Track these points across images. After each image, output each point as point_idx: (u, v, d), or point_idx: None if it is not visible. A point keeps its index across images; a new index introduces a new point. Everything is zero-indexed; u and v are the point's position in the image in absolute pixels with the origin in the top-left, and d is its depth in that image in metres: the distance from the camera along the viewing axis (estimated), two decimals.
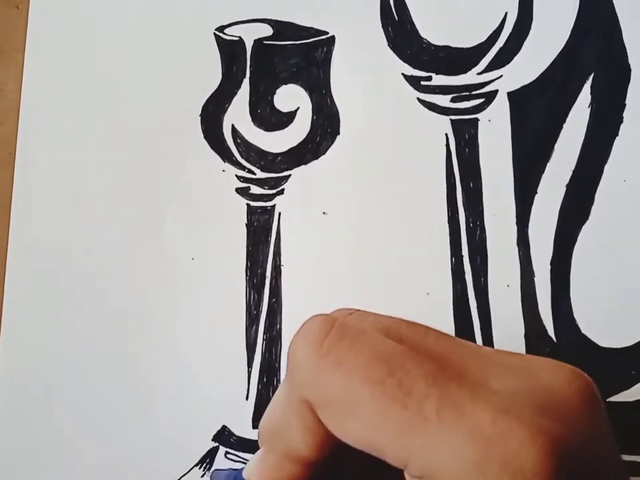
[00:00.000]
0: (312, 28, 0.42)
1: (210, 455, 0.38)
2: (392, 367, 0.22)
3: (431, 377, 0.22)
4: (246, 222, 0.40)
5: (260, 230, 0.40)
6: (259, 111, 0.41)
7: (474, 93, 0.40)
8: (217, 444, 0.38)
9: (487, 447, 0.20)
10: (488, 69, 0.40)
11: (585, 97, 0.40)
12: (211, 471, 0.37)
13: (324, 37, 0.41)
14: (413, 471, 0.21)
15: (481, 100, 0.40)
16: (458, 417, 0.21)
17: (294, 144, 0.41)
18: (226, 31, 0.42)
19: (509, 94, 0.40)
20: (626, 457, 0.35)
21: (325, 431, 0.23)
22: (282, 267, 0.39)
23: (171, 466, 0.38)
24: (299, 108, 0.41)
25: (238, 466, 0.38)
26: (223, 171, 0.41)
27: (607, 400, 0.37)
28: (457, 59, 0.41)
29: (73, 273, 0.40)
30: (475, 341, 0.38)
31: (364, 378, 0.22)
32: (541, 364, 0.24)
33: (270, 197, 0.40)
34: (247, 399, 0.38)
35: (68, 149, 0.42)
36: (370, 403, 0.22)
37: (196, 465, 0.38)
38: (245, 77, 0.41)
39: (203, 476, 0.38)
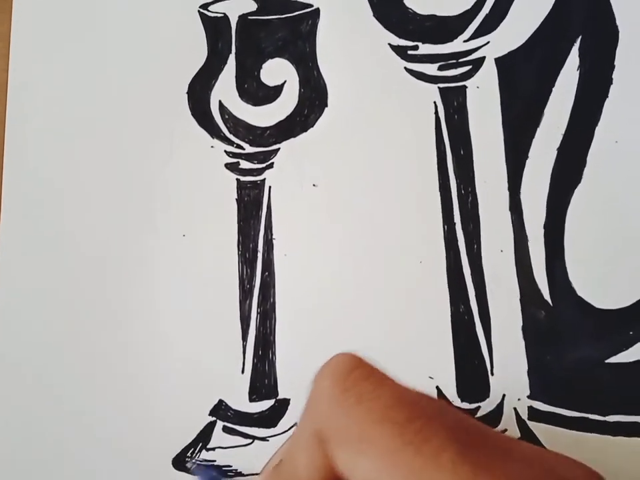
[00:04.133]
0: (296, 1, 0.42)
1: (208, 430, 0.38)
2: (414, 413, 0.22)
3: (452, 431, 0.21)
4: (236, 197, 0.40)
5: (250, 204, 0.40)
6: (245, 85, 0.41)
7: (461, 60, 0.40)
8: (214, 418, 0.38)
9: None
10: (474, 35, 0.40)
11: (573, 60, 0.40)
12: (193, 463, 0.37)
13: (309, 9, 0.41)
14: None
15: (469, 67, 0.40)
16: (474, 476, 0.20)
17: (282, 117, 0.40)
18: (210, 7, 0.42)
19: (497, 60, 0.40)
20: (626, 418, 0.35)
21: (329, 471, 0.23)
22: (274, 241, 0.39)
23: (169, 442, 0.37)
24: (285, 81, 0.41)
25: (236, 440, 0.38)
26: (212, 147, 0.41)
27: (606, 362, 0.36)
28: (443, 27, 0.41)
29: (63, 251, 0.40)
30: (470, 310, 0.38)
31: (383, 417, 0.22)
32: (560, 459, 0.24)
33: (260, 171, 0.40)
34: (242, 372, 0.38)
35: (56, 130, 0.42)
36: (384, 442, 0.21)
37: (194, 440, 0.37)
38: (230, 52, 0.41)
39: (200, 451, 0.37)
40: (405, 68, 0.40)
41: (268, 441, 0.37)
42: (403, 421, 0.22)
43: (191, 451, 0.37)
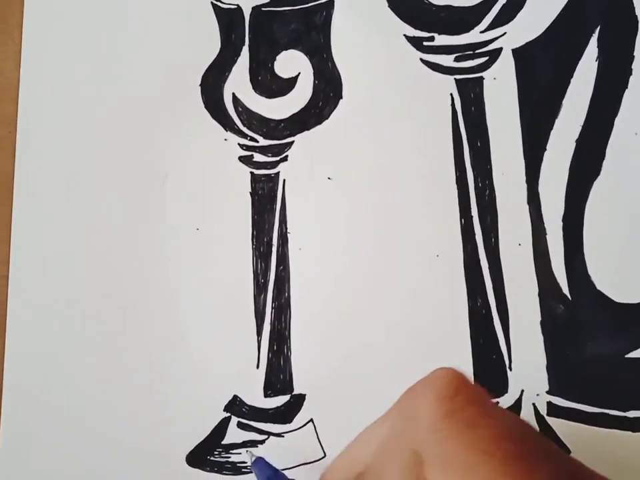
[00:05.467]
0: None
1: (222, 426, 0.37)
2: (522, 451, 0.21)
3: (556, 475, 0.21)
4: (250, 190, 0.40)
5: (265, 198, 0.39)
6: (259, 78, 0.40)
7: (478, 51, 0.40)
8: (228, 414, 0.37)
9: None
10: (491, 26, 0.40)
11: (591, 51, 0.39)
12: (252, 457, 0.36)
13: (323, 0, 0.41)
14: None
15: (485, 58, 0.39)
16: None
17: (296, 110, 0.40)
18: None
19: (514, 51, 0.40)
20: None
21: None
22: (288, 235, 0.39)
23: (184, 437, 0.37)
24: (300, 73, 0.40)
25: (251, 436, 0.37)
26: (225, 139, 0.40)
27: (626, 356, 0.36)
28: (459, 18, 0.40)
29: (77, 248, 0.40)
30: (488, 304, 0.37)
31: (492, 449, 0.21)
32: None
33: (274, 164, 0.40)
34: (257, 367, 0.38)
35: (69, 125, 0.41)
36: (490, 476, 0.20)
37: (208, 436, 0.37)
38: (244, 44, 0.41)
39: (215, 447, 0.37)
40: (421, 59, 0.40)
41: (283, 437, 0.37)
42: (511, 457, 0.21)
43: (205, 447, 0.37)
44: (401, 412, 0.23)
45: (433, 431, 0.22)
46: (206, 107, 0.41)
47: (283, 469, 0.36)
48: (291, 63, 0.40)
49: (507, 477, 0.20)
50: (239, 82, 0.41)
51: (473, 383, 0.23)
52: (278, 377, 0.38)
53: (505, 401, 0.36)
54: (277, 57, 0.41)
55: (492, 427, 0.21)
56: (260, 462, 0.35)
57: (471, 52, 0.40)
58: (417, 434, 0.22)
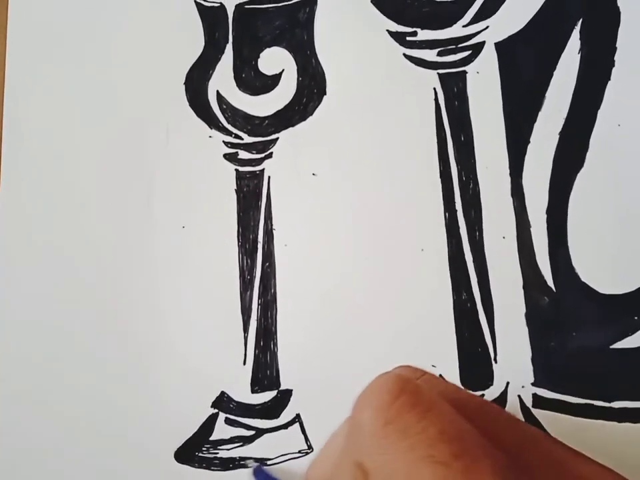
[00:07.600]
0: None
1: (210, 422, 0.37)
2: (460, 450, 0.21)
3: (499, 469, 0.20)
4: (235, 187, 0.40)
5: (250, 195, 0.40)
6: (243, 75, 0.41)
7: (460, 45, 0.40)
8: (216, 410, 0.38)
9: None
10: (473, 20, 0.40)
11: (574, 43, 0.39)
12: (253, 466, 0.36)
13: None
14: None
15: (468, 52, 0.40)
16: None
17: (280, 107, 0.40)
18: None
19: (497, 44, 0.40)
20: (632, 404, 0.35)
21: None
22: (274, 231, 0.39)
23: (173, 434, 0.37)
24: (283, 70, 0.40)
25: (238, 432, 0.37)
26: (210, 137, 0.40)
27: (610, 347, 0.36)
28: (441, 13, 0.40)
29: (63, 246, 0.40)
30: (473, 297, 0.37)
31: (428, 456, 0.21)
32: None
33: (259, 162, 0.40)
34: (244, 363, 0.38)
35: (53, 124, 0.41)
36: None
37: (196, 433, 0.37)
38: (227, 42, 0.41)
39: (203, 443, 0.37)
40: (404, 54, 0.40)
41: (271, 432, 0.37)
42: (448, 459, 0.20)
43: (193, 444, 0.37)
44: (351, 422, 0.23)
45: (374, 442, 0.22)
46: (190, 105, 0.41)
47: (270, 464, 0.36)
48: (275, 60, 0.41)
49: (448, 478, 0.20)
50: (223, 79, 0.41)
51: (415, 385, 0.22)
52: (265, 372, 0.38)
53: (491, 393, 0.36)
54: (261, 54, 0.41)
55: (426, 432, 0.21)
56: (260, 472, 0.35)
57: (454, 46, 0.40)
58: (361, 446, 0.22)
